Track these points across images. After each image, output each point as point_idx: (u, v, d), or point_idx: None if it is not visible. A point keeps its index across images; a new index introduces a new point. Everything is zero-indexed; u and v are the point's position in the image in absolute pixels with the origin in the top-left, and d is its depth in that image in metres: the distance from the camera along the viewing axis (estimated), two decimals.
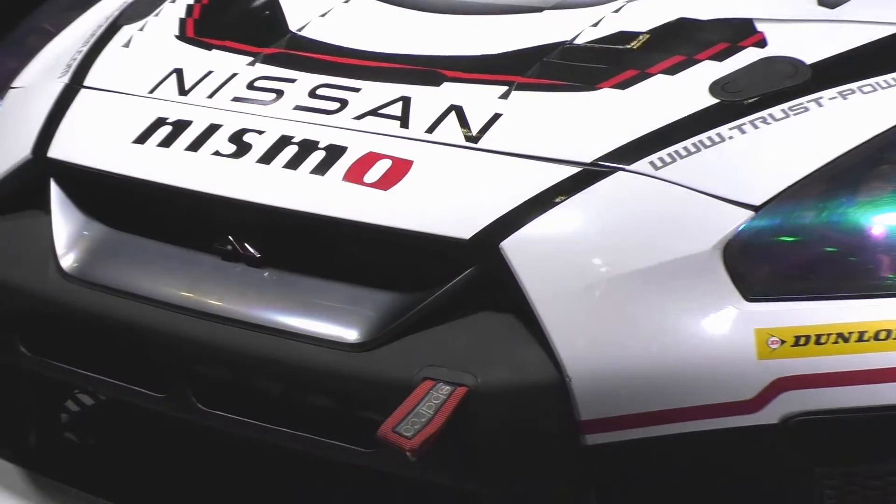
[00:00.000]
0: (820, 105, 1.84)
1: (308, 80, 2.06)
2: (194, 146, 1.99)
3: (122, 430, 2.21)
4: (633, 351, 1.67)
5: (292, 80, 2.07)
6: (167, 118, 2.06)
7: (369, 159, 1.87)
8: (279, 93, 2.05)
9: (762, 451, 1.67)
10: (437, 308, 1.76)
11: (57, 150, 2.12)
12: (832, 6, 2.09)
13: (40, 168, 2.12)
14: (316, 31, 2.22)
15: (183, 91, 2.12)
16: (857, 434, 1.67)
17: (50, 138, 2.14)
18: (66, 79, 2.27)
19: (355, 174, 1.86)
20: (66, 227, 2.05)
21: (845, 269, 1.74)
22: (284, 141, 1.94)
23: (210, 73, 2.15)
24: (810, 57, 1.94)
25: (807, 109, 1.84)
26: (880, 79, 1.88)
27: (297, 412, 1.82)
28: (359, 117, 1.96)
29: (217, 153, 1.97)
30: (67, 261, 2.01)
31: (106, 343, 1.97)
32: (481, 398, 1.67)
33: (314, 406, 1.81)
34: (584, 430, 1.66)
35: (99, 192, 2.08)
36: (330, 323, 1.80)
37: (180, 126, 2.04)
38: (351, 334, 1.77)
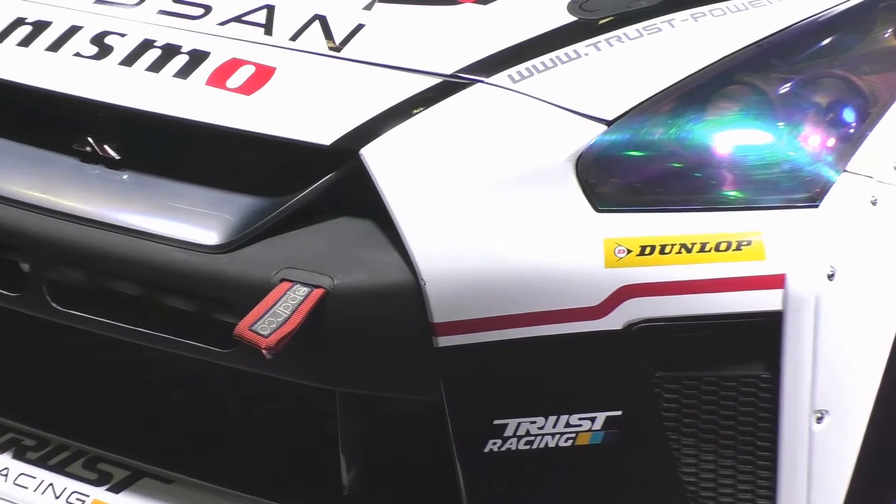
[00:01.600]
0: (672, 26, 1.89)
1: None
2: (54, 47, 1.97)
3: None
4: (485, 257, 1.69)
5: None
6: (26, 18, 2.04)
7: (232, 65, 1.88)
8: None
9: (606, 356, 1.71)
10: (296, 212, 1.78)
11: None
12: None
13: None
14: None
15: None
16: (695, 341, 1.71)
17: None
18: None
19: (218, 79, 1.86)
20: None
21: (691, 184, 1.77)
22: (147, 44, 1.93)
23: None
24: None
25: (660, 30, 1.88)
26: (731, 3, 1.92)
27: (156, 313, 1.83)
28: (223, 23, 1.96)
29: (78, 54, 1.95)
30: None
31: None
32: (338, 299, 1.69)
33: (172, 307, 1.81)
34: (436, 333, 1.68)
35: None
36: (189, 225, 1.80)
37: (40, 26, 2.01)
38: (210, 237, 1.78)
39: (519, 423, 1.73)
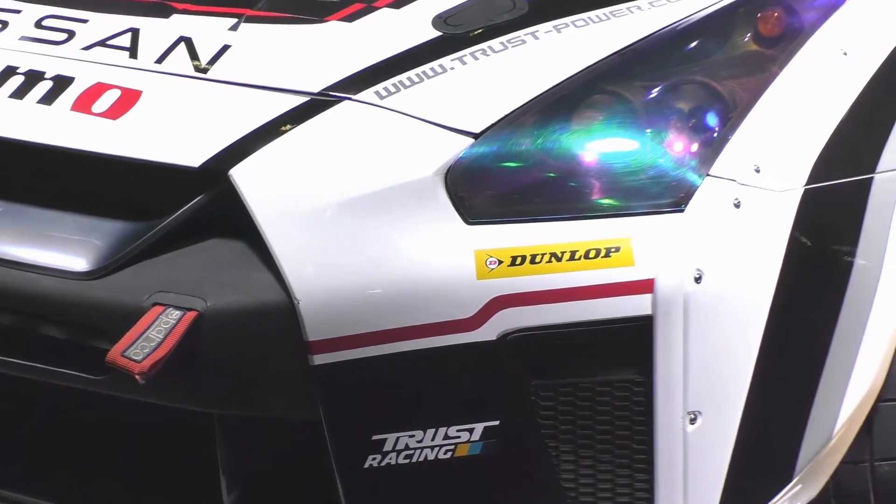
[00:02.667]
0: (536, 38, 1.90)
1: (33, 10, 2.03)
2: None
3: None
4: (358, 273, 1.70)
5: (17, 11, 2.04)
6: None
7: (98, 89, 1.86)
8: (3, 23, 2.02)
9: (482, 367, 1.72)
10: (167, 235, 1.76)
11: None
12: None
13: None
14: None
15: None
16: (568, 348, 1.73)
17: None
18: None
19: (83, 104, 1.85)
20: None
21: (559, 193, 1.79)
22: (9, 71, 1.91)
23: None
24: None
25: (524, 42, 1.89)
26: (592, 13, 1.93)
27: (29, 342, 1.80)
28: (87, 48, 1.94)
29: None
30: None
31: None
32: (211, 321, 1.68)
33: (45, 335, 1.79)
34: (311, 351, 1.68)
35: None
36: (59, 252, 1.79)
37: None
38: (79, 263, 1.76)
39: (398, 438, 1.73)
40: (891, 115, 1.97)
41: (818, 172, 1.85)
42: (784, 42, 1.93)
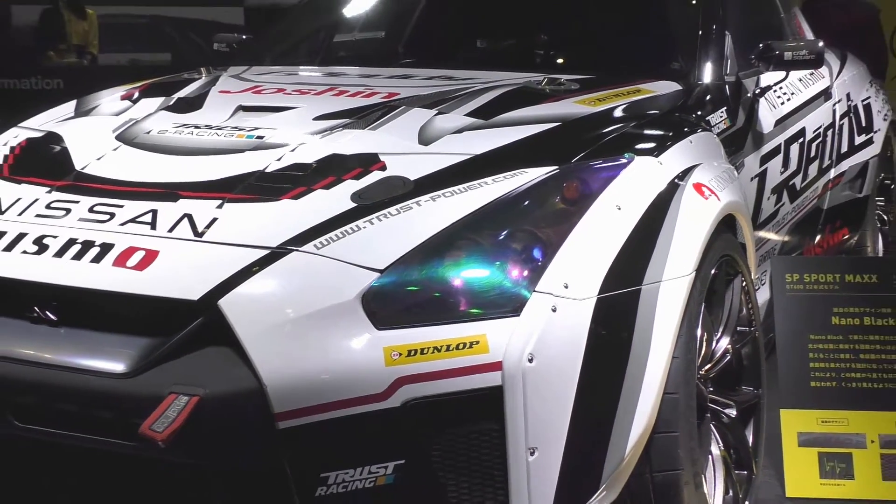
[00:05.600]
0: (419, 205, 1.93)
1: (88, 201, 2.03)
2: (9, 248, 1.94)
3: None
4: (306, 366, 1.71)
5: (77, 202, 2.03)
6: None
7: (130, 251, 1.87)
8: (68, 210, 2.01)
9: (391, 424, 1.72)
10: (177, 346, 1.77)
11: None
12: (427, 143, 2.18)
13: None
14: (93, 169, 2.18)
15: (0, 211, 2.07)
16: (448, 407, 1.74)
17: None
18: None
19: (121, 261, 1.85)
20: None
21: (438, 306, 1.80)
22: (71, 241, 1.91)
23: (19, 199, 2.09)
24: (413, 175, 2.03)
25: (411, 208, 1.92)
26: (455, 188, 1.97)
27: (85, 422, 1.79)
28: (123, 223, 1.95)
29: (25, 252, 1.92)
30: None
31: None
32: (209, 402, 1.69)
33: (96, 417, 1.77)
34: (277, 419, 1.69)
35: None
36: (105, 360, 1.78)
37: None
38: (119, 367, 1.76)
39: (337, 474, 1.73)
40: (650, 246, 2.01)
41: (606, 286, 1.88)
42: (580, 202, 1.96)
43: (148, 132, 2.35)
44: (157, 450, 1.70)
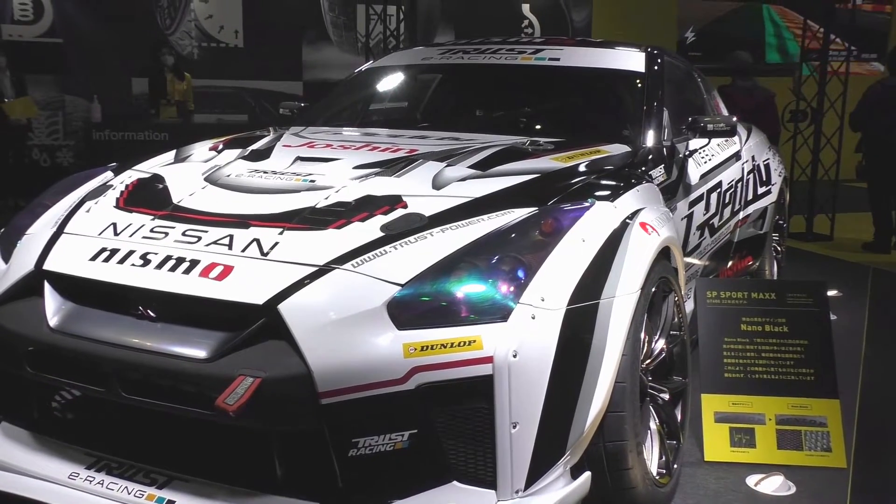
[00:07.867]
0: (432, 235, 1.90)
1: (181, 227, 2.00)
2: (122, 261, 1.92)
3: (86, 409, 2.06)
4: (343, 356, 1.67)
5: (173, 227, 2.01)
6: (107, 247, 1.98)
7: (211, 266, 1.84)
8: (166, 233, 1.98)
9: (407, 403, 1.69)
10: (246, 339, 1.73)
11: (48, 265, 1.99)
12: (438, 188, 2.14)
13: (39, 275, 1.98)
14: (186, 203, 2.14)
15: (115, 233, 2.03)
16: (452, 390, 1.69)
17: (45, 259, 2.01)
18: (54, 229, 2.13)
19: (205, 273, 1.82)
20: (52, 304, 1.93)
21: (446, 313, 1.76)
22: (168, 258, 1.89)
23: (130, 224, 2.06)
24: (428, 212, 2.00)
25: (426, 237, 1.89)
26: (460, 223, 1.94)
27: (176, 395, 1.75)
28: (207, 245, 1.92)
29: (133, 265, 1.90)
30: (53, 321, 1.89)
31: (74, 363, 1.84)
32: (269, 383, 1.66)
33: (184, 391, 1.74)
34: (320, 397, 1.66)
35: (71, 286, 1.95)
36: (192, 348, 1.75)
37: (114, 251, 1.96)
38: (201, 353, 1.73)
39: (365, 440, 1.70)
40: (606, 269, 1.96)
41: (573, 299, 1.83)
42: (554, 235, 1.92)
43: (228, 175, 2.32)
44: (228, 418, 1.67)
